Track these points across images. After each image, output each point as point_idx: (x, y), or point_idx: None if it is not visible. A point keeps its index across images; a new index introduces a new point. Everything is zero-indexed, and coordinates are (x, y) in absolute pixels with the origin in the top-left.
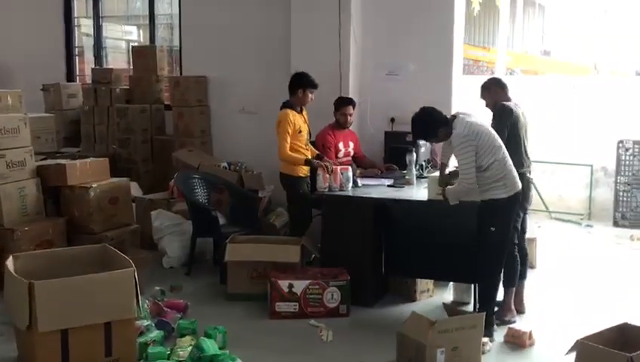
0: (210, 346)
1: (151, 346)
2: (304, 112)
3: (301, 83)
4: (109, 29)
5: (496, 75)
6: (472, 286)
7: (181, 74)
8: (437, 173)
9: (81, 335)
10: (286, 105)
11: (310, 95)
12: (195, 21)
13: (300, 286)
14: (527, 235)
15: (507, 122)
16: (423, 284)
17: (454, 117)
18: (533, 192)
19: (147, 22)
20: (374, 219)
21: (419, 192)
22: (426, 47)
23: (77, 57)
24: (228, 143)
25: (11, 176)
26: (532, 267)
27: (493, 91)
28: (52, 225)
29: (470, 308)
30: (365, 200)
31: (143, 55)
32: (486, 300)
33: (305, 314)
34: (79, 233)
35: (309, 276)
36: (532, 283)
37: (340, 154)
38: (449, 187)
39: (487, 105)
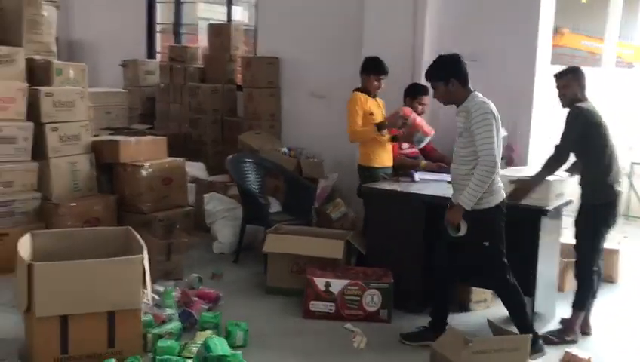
0: (219, 345)
1: (164, 339)
2: (378, 100)
3: (365, 67)
4: (207, 9)
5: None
6: (532, 300)
7: (255, 54)
8: (510, 171)
9: (83, 323)
10: (357, 89)
11: (376, 82)
12: (271, 0)
13: (337, 285)
14: (609, 246)
15: (576, 131)
16: (480, 294)
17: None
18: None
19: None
20: (427, 217)
21: None
22: (508, 33)
23: (159, 34)
24: (296, 128)
25: (64, 150)
26: (611, 281)
27: (570, 83)
28: (101, 203)
29: None
30: (417, 197)
31: (218, 33)
32: (518, 319)
33: (341, 316)
34: (129, 212)
35: (349, 275)
36: (609, 300)
37: (404, 146)
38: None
39: (561, 101)
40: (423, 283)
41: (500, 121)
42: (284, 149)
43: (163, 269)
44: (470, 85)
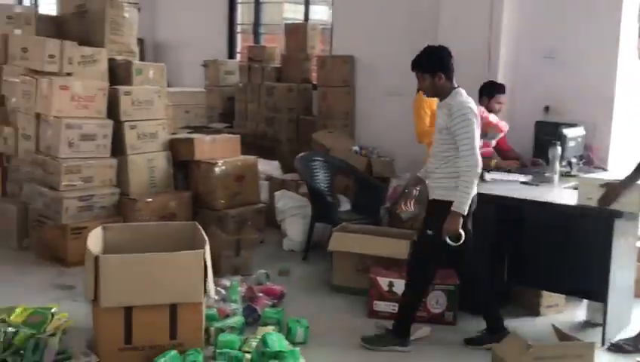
0: (276, 341)
1: (226, 332)
2: None
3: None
4: (291, 9)
5: None
6: (604, 305)
7: (331, 53)
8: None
9: (146, 314)
10: None
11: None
12: None
13: (401, 285)
14: None
15: None
16: (552, 298)
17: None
18: None
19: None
20: (497, 219)
21: (558, 193)
22: (588, 28)
23: (241, 35)
24: (369, 126)
25: (142, 148)
26: None
27: None
28: (176, 199)
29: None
30: (487, 197)
31: (295, 33)
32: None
33: None
34: (203, 208)
35: None
36: None
37: (479, 144)
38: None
39: None
40: (493, 286)
41: (479, 119)
42: (356, 148)
43: (232, 264)
44: (454, 82)
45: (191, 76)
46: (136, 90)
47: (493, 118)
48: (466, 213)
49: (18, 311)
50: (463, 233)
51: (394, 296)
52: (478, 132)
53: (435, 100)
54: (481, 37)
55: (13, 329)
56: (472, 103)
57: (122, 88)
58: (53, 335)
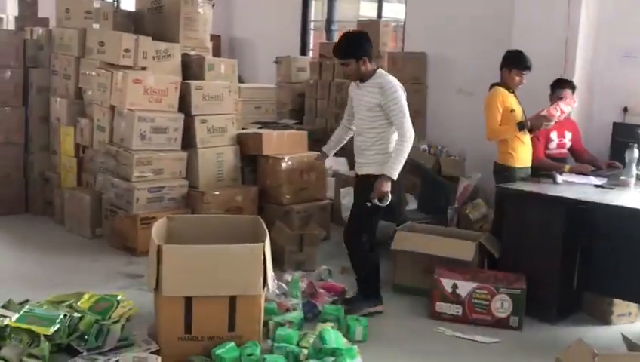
0: (334, 338)
1: (285, 327)
2: (516, 97)
3: (506, 61)
4: (368, 6)
5: None
6: None
7: (403, 50)
8: None
9: (205, 305)
10: (495, 85)
11: (517, 77)
12: None
13: (465, 287)
14: None
15: None
16: (624, 306)
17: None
18: None
19: None
20: (568, 222)
21: (633, 197)
22: None
23: (315, 32)
24: (441, 124)
25: (211, 142)
26: None
27: None
28: (242, 193)
29: None
30: (557, 200)
31: (367, 29)
32: (360, 269)
33: (468, 320)
34: (269, 203)
35: (479, 278)
36: None
37: (552, 146)
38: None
39: None
40: (560, 290)
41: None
42: (424, 146)
43: (295, 260)
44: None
45: (265, 72)
46: (208, 85)
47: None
48: (395, 179)
49: (86, 297)
50: (390, 196)
51: (457, 298)
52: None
53: (508, 97)
54: (558, 35)
55: (79, 315)
56: (396, 80)
57: (194, 83)
58: (116, 322)
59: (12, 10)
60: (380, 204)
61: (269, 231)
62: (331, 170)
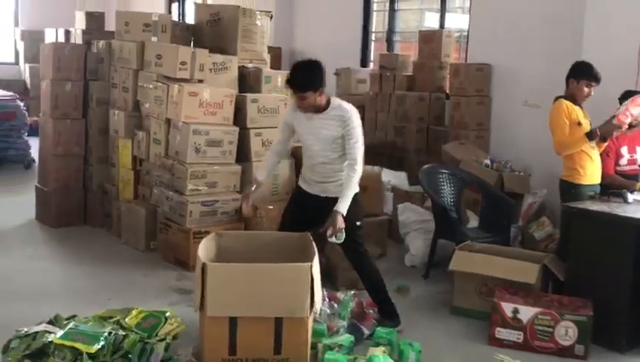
0: None
1: (333, 351)
2: (583, 110)
3: (575, 71)
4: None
5: None
6: None
7: (466, 61)
8: None
9: (251, 326)
10: (560, 97)
11: (586, 88)
12: (484, 5)
13: (527, 312)
14: None
15: None
16: None
17: None
18: None
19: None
20: (639, 245)
21: None
22: None
23: (376, 43)
24: (505, 138)
25: (266, 155)
26: None
27: None
28: None
29: None
30: (628, 221)
31: (428, 40)
32: (377, 289)
33: (530, 347)
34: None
35: (542, 303)
36: None
37: (623, 162)
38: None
39: None
40: (630, 317)
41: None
42: (487, 161)
43: (349, 278)
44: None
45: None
46: (263, 97)
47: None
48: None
49: (134, 313)
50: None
51: (518, 323)
52: None
53: (574, 109)
54: (631, 47)
55: (124, 333)
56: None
57: (250, 96)
58: (162, 340)
59: (80, 24)
60: (336, 241)
61: (322, 248)
62: (389, 184)
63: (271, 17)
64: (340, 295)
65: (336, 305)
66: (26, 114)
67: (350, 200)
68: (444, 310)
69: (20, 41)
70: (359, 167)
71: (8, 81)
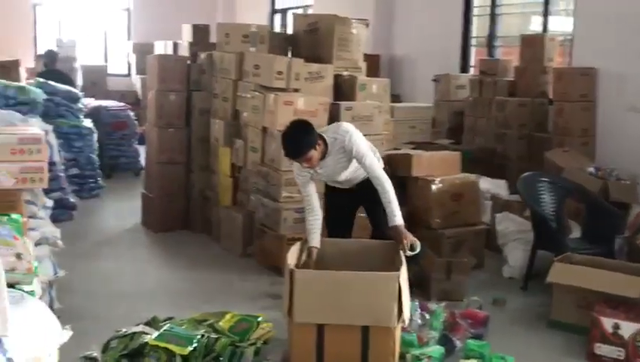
0: None
1: None
2: None
3: None
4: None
5: None
6: None
7: (570, 65)
8: None
9: (337, 334)
10: None
11: None
12: (590, 7)
13: (628, 328)
14: None
15: None
16: None
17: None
18: None
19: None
20: None
21: None
22: None
23: (474, 48)
24: (612, 146)
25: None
26: None
27: None
28: None
29: None
30: None
31: (531, 44)
32: None
33: None
34: (418, 226)
35: None
36: None
37: None
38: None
39: None
40: None
41: None
42: (591, 169)
43: (442, 288)
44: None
45: (424, 90)
46: (357, 105)
47: None
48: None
49: (227, 317)
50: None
51: (619, 339)
52: None
53: None
54: None
55: (216, 336)
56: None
57: (344, 104)
58: (253, 344)
59: (187, 36)
60: (414, 252)
61: (417, 258)
62: (488, 192)
63: (367, 25)
64: (432, 305)
65: (427, 316)
66: (137, 123)
67: (397, 207)
68: (541, 323)
69: (132, 53)
70: (385, 181)
71: (122, 92)
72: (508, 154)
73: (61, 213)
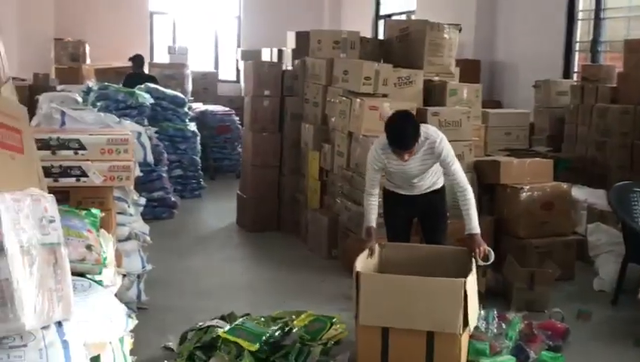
0: None
1: None
2: None
3: None
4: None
5: None
6: None
7: None
8: None
9: (402, 338)
10: None
11: None
12: None
13: None
14: None
15: None
16: None
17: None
18: None
19: None
20: None
21: None
22: None
23: (578, 53)
24: None
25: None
26: None
27: None
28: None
29: None
30: None
31: (635, 50)
32: None
33: None
34: (505, 234)
35: None
36: None
37: None
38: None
39: None
40: None
41: None
42: None
43: (524, 299)
44: None
45: (524, 96)
46: (445, 110)
47: None
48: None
49: (303, 316)
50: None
51: None
52: None
53: None
54: None
55: (282, 333)
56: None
57: (431, 109)
58: (324, 344)
59: (291, 43)
60: (488, 262)
61: (501, 265)
62: (585, 202)
63: (460, 30)
64: (510, 315)
65: (504, 325)
66: (240, 127)
67: (476, 216)
68: (627, 341)
69: (241, 60)
70: (468, 188)
71: (230, 97)
72: (608, 163)
73: (163, 211)
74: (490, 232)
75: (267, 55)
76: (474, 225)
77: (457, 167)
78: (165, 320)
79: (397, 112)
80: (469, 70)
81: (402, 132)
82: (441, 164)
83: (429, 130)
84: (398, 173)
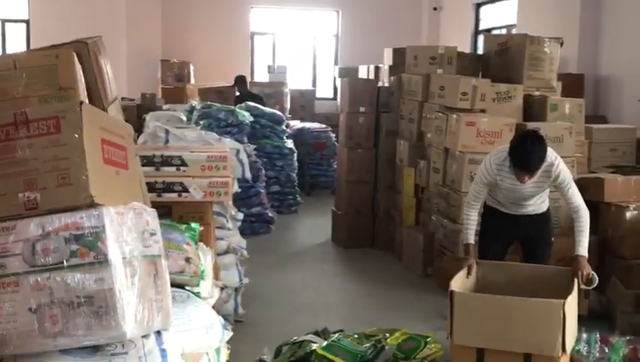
0: None
1: None
2: None
3: None
4: None
5: None
6: None
7: None
8: None
9: (498, 360)
10: None
11: None
12: None
13: None
14: None
15: None
16: None
17: None
18: None
19: None
20: None
21: None
22: None
23: None
24: None
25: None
26: None
27: None
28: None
29: None
30: None
31: None
32: None
33: None
34: (610, 255)
35: None
36: None
37: None
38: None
39: None
40: None
41: None
42: None
43: (629, 322)
44: None
45: (630, 112)
46: (545, 125)
47: None
48: None
49: (397, 334)
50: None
51: None
52: None
53: None
54: None
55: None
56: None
57: (530, 124)
58: None
59: (388, 60)
60: (591, 286)
61: (605, 286)
62: None
63: (561, 44)
64: (614, 339)
65: (607, 349)
66: (336, 144)
67: (587, 240)
68: None
69: (338, 77)
70: (585, 211)
71: (327, 114)
72: None
73: (260, 226)
74: (594, 252)
75: (364, 72)
76: (583, 246)
77: (574, 191)
78: (261, 333)
79: (527, 132)
80: (572, 85)
81: (531, 155)
82: (557, 187)
83: (548, 155)
84: (507, 191)
